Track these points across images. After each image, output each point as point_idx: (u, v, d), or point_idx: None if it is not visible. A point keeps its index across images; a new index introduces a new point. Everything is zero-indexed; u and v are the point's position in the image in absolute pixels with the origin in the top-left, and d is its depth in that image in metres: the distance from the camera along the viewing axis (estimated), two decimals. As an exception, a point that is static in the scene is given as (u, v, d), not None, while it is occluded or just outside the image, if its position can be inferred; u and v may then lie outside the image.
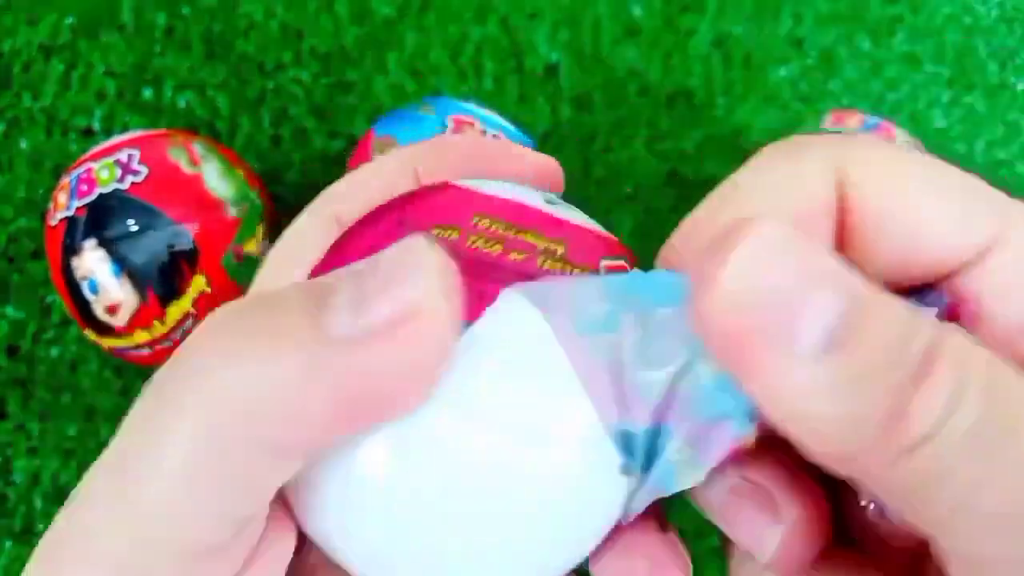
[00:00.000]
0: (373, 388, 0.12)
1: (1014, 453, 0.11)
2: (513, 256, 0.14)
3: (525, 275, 0.14)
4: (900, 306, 0.11)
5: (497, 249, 0.14)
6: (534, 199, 0.15)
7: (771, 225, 0.11)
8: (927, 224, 0.13)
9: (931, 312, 0.13)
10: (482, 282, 0.14)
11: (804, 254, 0.11)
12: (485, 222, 0.15)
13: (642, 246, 0.38)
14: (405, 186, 0.16)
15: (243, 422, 0.12)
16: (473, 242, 0.14)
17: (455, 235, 0.14)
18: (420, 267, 0.12)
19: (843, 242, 0.14)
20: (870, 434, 0.11)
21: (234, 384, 0.12)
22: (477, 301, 0.13)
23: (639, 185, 0.35)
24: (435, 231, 0.14)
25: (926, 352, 0.11)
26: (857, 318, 0.11)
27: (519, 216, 0.15)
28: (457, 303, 0.13)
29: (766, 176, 0.14)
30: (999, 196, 0.13)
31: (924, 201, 0.13)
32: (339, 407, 0.12)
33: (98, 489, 0.14)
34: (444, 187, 0.15)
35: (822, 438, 0.11)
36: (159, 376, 0.13)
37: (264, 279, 0.16)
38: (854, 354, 0.11)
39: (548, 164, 0.17)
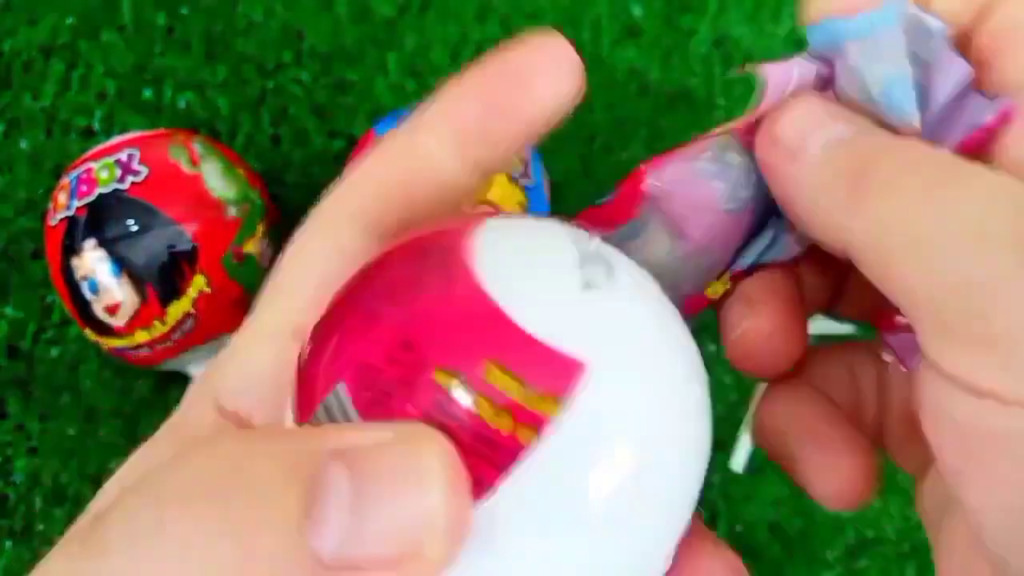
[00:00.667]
0: None
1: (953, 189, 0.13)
2: (520, 436, 0.12)
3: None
4: (873, 135, 0.15)
5: (506, 426, 0.12)
6: (569, 290, 0.12)
7: (805, 101, 0.16)
8: None
9: (984, 107, 0.15)
10: (479, 468, 0.11)
11: (816, 107, 0.16)
12: (496, 374, 0.12)
13: (642, 246, 0.37)
14: (419, 172, 0.15)
15: None
16: (480, 407, 0.11)
17: (459, 389, 0.11)
18: (422, 480, 0.11)
19: None
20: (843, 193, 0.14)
21: None
22: (473, 487, 0.11)
23: (639, 185, 0.35)
24: (438, 376, 0.11)
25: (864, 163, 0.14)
26: (847, 140, 0.15)
27: (537, 371, 0.12)
28: (460, 535, 0.11)
29: None
30: None
31: None
32: None
33: None
34: (459, 273, 0.12)
35: (818, 205, 0.15)
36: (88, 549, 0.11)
37: (269, 297, 0.15)
38: (832, 162, 0.15)
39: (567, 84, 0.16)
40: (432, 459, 0.11)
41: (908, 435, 0.17)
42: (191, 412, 0.15)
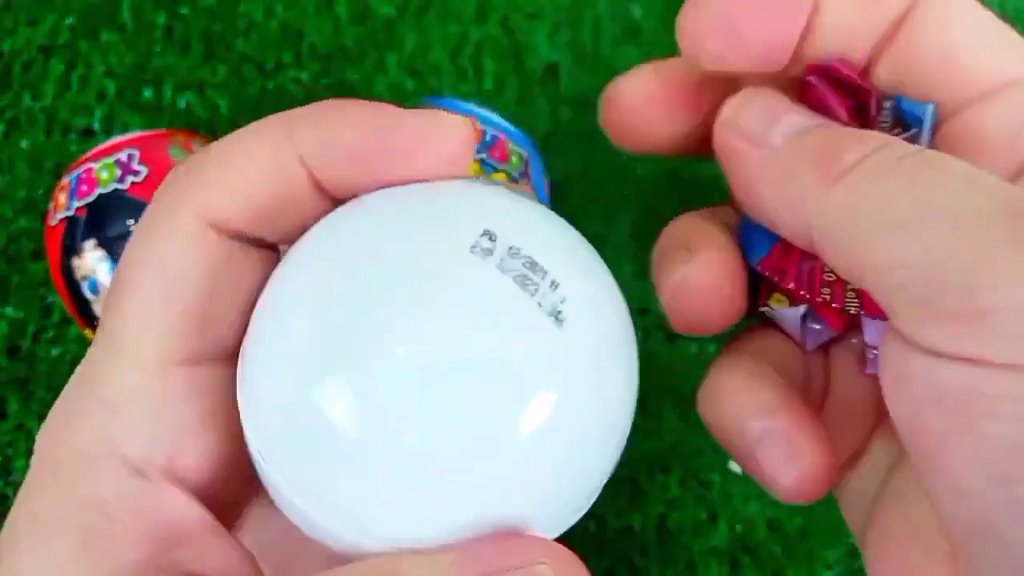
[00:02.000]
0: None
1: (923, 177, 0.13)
2: None
3: None
4: (836, 130, 0.15)
5: None
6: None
7: (762, 93, 0.16)
8: (961, 48, 0.16)
9: (920, 128, 0.16)
10: None
11: (778, 98, 0.16)
12: None
13: (642, 246, 0.38)
14: (287, 175, 0.15)
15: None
16: None
17: None
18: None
19: (885, 43, 0.16)
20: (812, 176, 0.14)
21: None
22: None
23: (639, 185, 0.35)
24: None
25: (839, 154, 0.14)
26: (807, 130, 0.15)
27: None
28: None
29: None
30: None
31: (962, 28, 0.16)
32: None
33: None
34: None
35: (784, 190, 0.15)
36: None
37: (132, 321, 0.15)
38: (795, 147, 0.15)
39: (461, 150, 0.15)
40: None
41: (843, 421, 0.17)
42: (82, 476, 0.14)
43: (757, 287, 0.18)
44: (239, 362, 0.15)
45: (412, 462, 0.13)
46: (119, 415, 0.14)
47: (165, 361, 0.14)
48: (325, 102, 0.15)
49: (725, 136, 0.16)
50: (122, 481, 0.14)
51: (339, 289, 0.14)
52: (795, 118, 0.16)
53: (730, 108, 0.16)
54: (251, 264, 0.15)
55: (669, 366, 0.32)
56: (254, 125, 0.16)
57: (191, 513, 0.14)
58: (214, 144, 0.16)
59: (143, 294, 0.15)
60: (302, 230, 0.15)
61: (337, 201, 0.15)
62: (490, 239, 0.14)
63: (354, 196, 0.15)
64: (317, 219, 0.15)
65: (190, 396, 0.15)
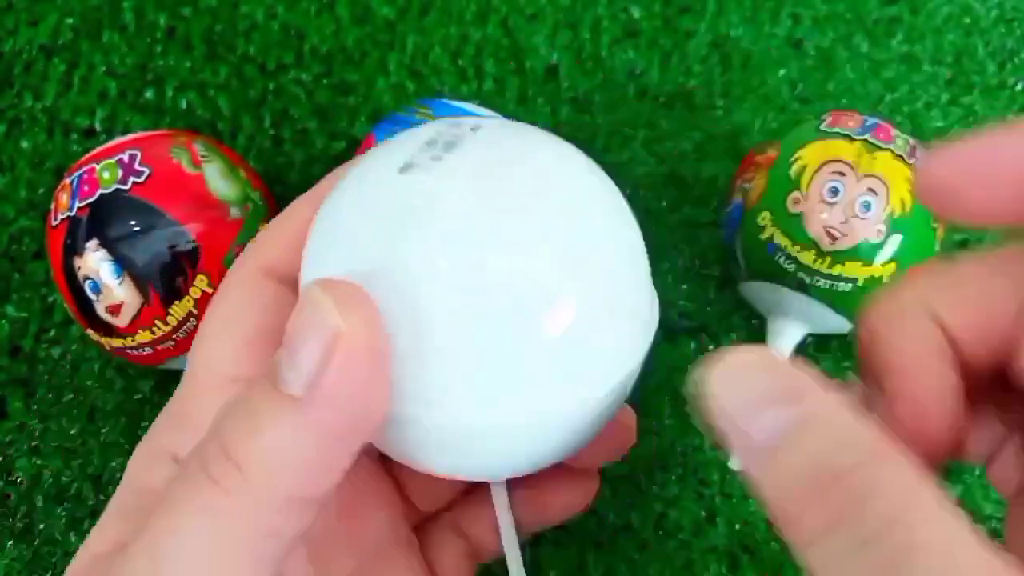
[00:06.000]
0: (345, 416, 0.15)
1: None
2: None
3: None
4: (839, 426, 0.13)
5: None
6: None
7: (736, 353, 0.14)
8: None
9: None
10: None
11: (767, 375, 0.14)
12: None
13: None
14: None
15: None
16: None
17: None
18: (321, 308, 0.15)
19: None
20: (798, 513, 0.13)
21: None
22: None
23: (638, 186, 0.35)
24: None
25: (837, 474, 0.12)
26: (792, 432, 0.13)
27: None
28: (371, 311, 0.15)
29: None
30: None
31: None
32: (335, 445, 0.15)
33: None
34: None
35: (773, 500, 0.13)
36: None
37: (201, 354, 0.19)
38: (782, 466, 0.13)
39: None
40: (318, 291, 0.15)
41: None
42: (140, 474, 0.19)
43: None
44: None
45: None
46: (183, 425, 0.19)
47: (225, 381, 0.18)
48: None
49: (740, 451, 0.14)
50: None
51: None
52: (783, 411, 0.13)
53: (709, 381, 0.14)
54: None
55: (669, 365, 0.32)
56: (304, 195, 0.20)
57: None
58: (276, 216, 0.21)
59: (211, 330, 0.19)
60: None
61: None
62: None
63: None
64: None
65: None
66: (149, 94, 0.36)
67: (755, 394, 0.13)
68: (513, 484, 0.23)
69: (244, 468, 0.15)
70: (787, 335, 0.30)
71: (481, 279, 0.16)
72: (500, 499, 0.22)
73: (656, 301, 0.20)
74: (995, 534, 0.17)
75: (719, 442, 0.14)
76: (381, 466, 0.24)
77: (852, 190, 0.27)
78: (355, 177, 0.18)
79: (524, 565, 0.22)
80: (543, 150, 0.18)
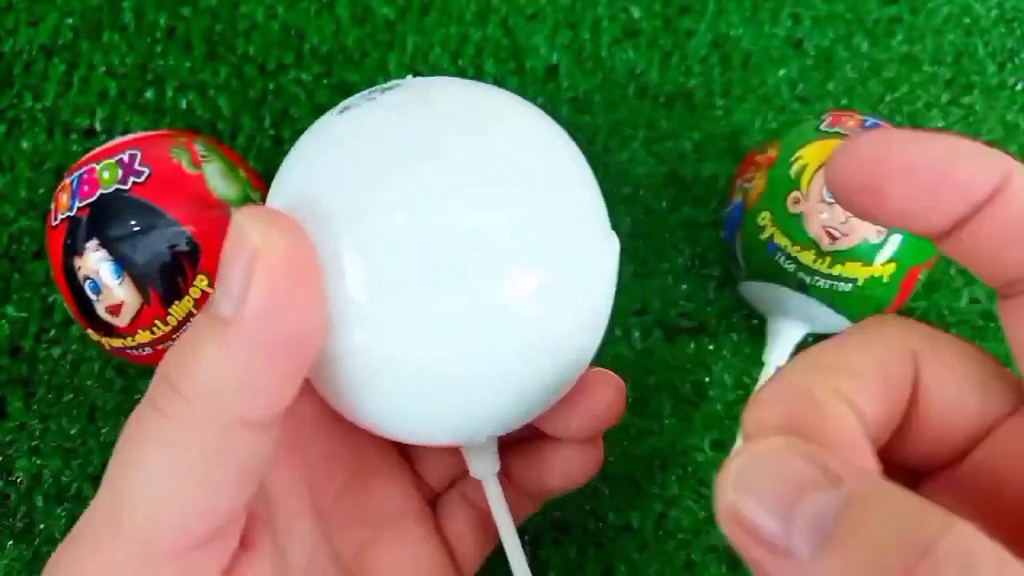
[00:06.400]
0: (276, 333, 0.15)
1: None
2: None
3: None
4: (899, 498, 0.11)
5: None
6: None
7: (762, 443, 0.12)
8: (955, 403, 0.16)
9: None
10: None
11: (790, 463, 0.12)
12: None
13: (641, 246, 0.38)
14: None
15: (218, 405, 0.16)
16: None
17: None
18: (243, 230, 0.16)
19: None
20: None
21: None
22: None
23: (638, 186, 0.35)
24: None
25: (926, 544, 0.10)
26: (850, 515, 0.11)
27: None
28: (289, 227, 0.16)
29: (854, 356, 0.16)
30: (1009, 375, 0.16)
31: (955, 382, 0.16)
32: (268, 363, 0.15)
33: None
34: None
35: None
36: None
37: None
38: (848, 550, 0.11)
39: None
40: (242, 215, 0.16)
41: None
42: None
43: None
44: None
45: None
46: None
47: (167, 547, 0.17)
48: None
49: (733, 531, 0.12)
50: None
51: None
52: (823, 497, 0.11)
53: (731, 481, 0.12)
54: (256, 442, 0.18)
55: (668, 365, 0.32)
56: None
57: None
58: None
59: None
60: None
61: None
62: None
63: None
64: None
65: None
66: (149, 94, 0.36)
67: (790, 483, 0.11)
68: (512, 453, 0.24)
69: (183, 392, 0.15)
70: (787, 335, 0.30)
71: (419, 200, 0.16)
72: (493, 493, 0.22)
73: (616, 239, 0.20)
74: None
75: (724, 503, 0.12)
76: (393, 446, 0.25)
77: (852, 190, 0.27)
78: (306, 132, 0.20)
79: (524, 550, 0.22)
80: (477, 87, 0.19)
